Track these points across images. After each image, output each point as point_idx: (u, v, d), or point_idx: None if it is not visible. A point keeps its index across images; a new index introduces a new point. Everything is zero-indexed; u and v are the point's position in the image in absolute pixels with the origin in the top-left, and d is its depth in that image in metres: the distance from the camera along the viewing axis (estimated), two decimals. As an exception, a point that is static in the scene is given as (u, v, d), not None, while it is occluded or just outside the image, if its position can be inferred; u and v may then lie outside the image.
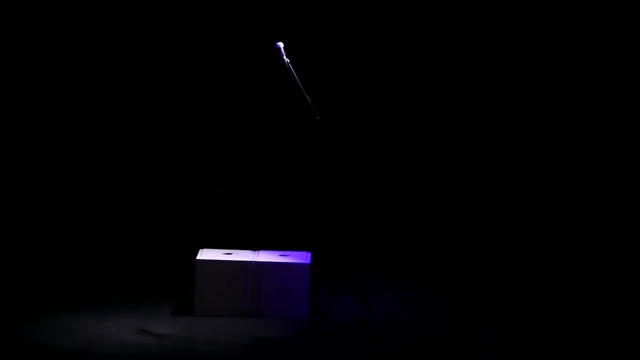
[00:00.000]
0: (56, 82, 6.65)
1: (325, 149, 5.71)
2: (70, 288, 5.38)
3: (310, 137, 5.53)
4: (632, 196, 7.15)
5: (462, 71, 7.45)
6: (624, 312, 5.55)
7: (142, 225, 6.35)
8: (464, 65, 7.46)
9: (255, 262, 4.90)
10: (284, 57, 4.67)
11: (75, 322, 4.62)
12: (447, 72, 7.46)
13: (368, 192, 7.01)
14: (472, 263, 6.86)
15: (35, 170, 6.40)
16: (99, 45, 6.66)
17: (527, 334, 5.17)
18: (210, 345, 4.39)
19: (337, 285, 5.55)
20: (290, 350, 4.41)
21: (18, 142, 6.48)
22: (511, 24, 7.44)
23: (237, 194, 6.45)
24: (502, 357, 4.67)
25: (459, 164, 7.53)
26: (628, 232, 7.00)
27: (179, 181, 6.40)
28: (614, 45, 7.36)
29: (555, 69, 7.40)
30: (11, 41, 6.58)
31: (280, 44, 4.68)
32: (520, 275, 6.72)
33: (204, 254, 4.99)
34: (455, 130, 7.53)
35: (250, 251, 5.12)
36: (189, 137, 6.66)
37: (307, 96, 4.68)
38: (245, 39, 6.63)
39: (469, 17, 7.42)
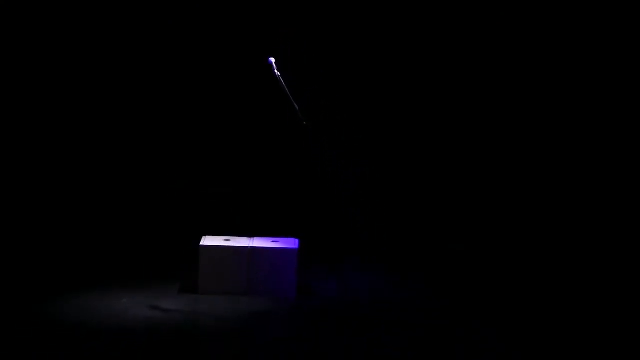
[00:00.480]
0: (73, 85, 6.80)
1: (312, 149, 6.02)
2: (91, 272, 5.87)
3: (303, 139, 5.92)
4: (632, 196, 7.01)
5: (464, 72, 7.37)
6: (623, 311, 5.50)
7: (152, 217, 6.76)
8: (465, 66, 7.39)
9: (250, 247, 5.41)
10: (275, 70, 5.11)
11: (97, 301, 5.14)
12: (449, 72, 7.37)
13: (351, 185, 7.20)
14: (454, 252, 6.96)
15: (62, 169, 6.78)
16: (102, 46, 6.84)
17: (497, 311, 5.39)
18: (212, 320, 4.94)
19: (322, 268, 6.01)
20: (280, 323, 4.95)
21: (47, 136, 6.74)
22: (507, 23, 7.31)
23: (236, 191, 6.82)
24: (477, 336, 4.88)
25: (453, 163, 7.41)
26: (627, 232, 6.89)
27: (186, 179, 6.82)
28: (613, 45, 7.19)
29: (555, 70, 7.31)
30: (11, 41, 6.67)
31: (272, 60, 5.12)
32: (509, 265, 6.73)
33: (207, 241, 5.50)
34: (454, 131, 7.40)
35: (246, 238, 5.61)
36: (194, 141, 6.94)
37: (295, 104, 5.15)
38: (242, 48, 6.88)
39: (468, 17, 7.33)
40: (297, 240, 5.56)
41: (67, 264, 6.00)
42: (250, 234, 5.70)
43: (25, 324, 4.63)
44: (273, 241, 5.57)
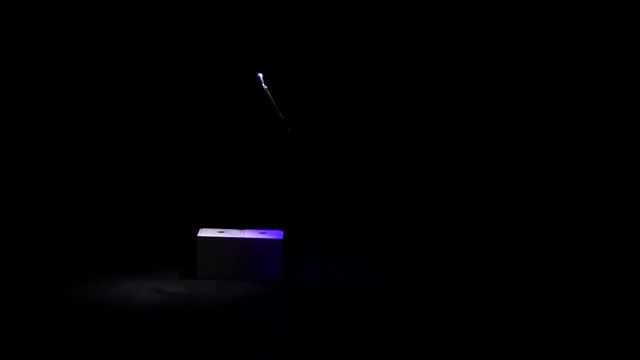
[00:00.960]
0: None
1: (297, 151, 6.50)
2: (104, 262, 6.49)
3: (289, 143, 6.17)
4: (631, 196, 7.00)
5: (463, 72, 7.33)
6: (623, 310, 5.51)
7: (157, 213, 7.29)
8: (463, 66, 7.34)
9: (241, 238, 6.08)
10: (263, 84, 5.72)
11: (111, 285, 5.83)
12: (448, 73, 7.35)
13: (349, 184, 7.49)
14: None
15: (74, 169, 7.22)
16: (101, 47, 7.11)
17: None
18: (209, 300, 5.60)
19: (304, 256, 6.58)
20: (266, 303, 5.60)
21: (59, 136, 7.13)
22: (503, 22, 7.25)
23: (230, 190, 7.32)
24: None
25: (452, 162, 7.44)
26: (627, 232, 6.91)
27: (185, 180, 7.35)
28: (613, 45, 7.11)
29: (554, 69, 7.30)
30: (7, 42, 6.90)
31: (260, 75, 5.72)
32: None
33: (203, 232, 6.16)
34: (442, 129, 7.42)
35: (238, 230, 6.24)
36: (194, 146, 7.38)
37: (280, 113, 5.74)
38: (232, 62, 7.19)
39: (466, 16, 7.28)
40: (282, 232, 6.19)
41: (83, 255, 6.62)
42: (241, 227, 6.32)
43: (45, 308, 5.27)
44: (261, 233, 6.20)
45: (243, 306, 5.50)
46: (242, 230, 6.24)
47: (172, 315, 5.21)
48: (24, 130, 7.08)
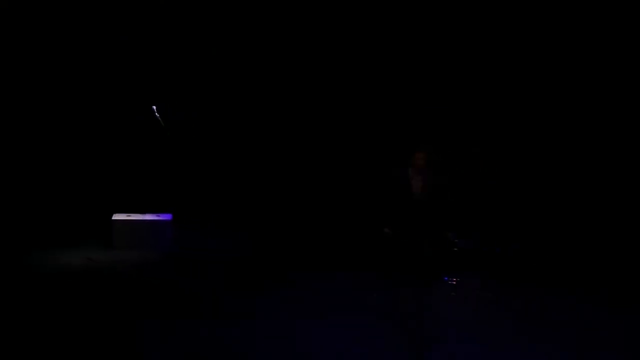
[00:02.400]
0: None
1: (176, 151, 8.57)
2: (42, 240, 8.73)
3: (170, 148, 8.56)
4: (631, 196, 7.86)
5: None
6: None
7: (82, 204, 9.43)
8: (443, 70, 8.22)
9: (142, 219, 8.60)
10: (156, 113, 8.24)
11: (53, 255, 8.23)
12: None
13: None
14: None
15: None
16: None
17: None
18: (122, 263, 8.08)
19: (189, 232, 8.97)
20: (159, 264, 8.13)
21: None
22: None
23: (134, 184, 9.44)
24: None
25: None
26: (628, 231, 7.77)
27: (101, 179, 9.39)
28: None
29: (552, 70, 7.86)
30: None
31: (154, 107, 8.20)
32: None
33: (116, 216, 8.65)
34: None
35: (140, 214, 8.73)
36: (111, 157, 9.26)
37: (167, 131, 8.25)
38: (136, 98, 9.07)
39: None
40: (170, 215, 8.78)
41: (29, 235, 8.83)
42: (143, 212, 8.85)
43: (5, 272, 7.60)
44: (157, 216, 8.76)
45: (144, 267, 8.07)
46: (144, 214, 8.78)
47: (98, 272, 7.76)
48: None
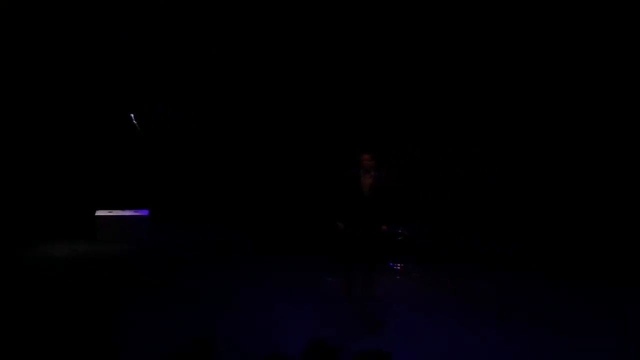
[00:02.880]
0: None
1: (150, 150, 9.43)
2: (31, 234, 9.60)
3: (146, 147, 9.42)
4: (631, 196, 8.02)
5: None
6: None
7: (70, 201, 10.17)
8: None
9: (122, 215, 9.58)
10: (134, 120, 9.32)
11: (41, 246, 9.19)
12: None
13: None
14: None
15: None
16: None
17: None
18: (104, 254, 9.03)
19: (165, 227, 10.03)
20: (135, 253, 9.14)
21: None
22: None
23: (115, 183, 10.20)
24: None
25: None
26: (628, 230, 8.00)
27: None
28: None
29: (552, 70, 7.94)
30: None
31: (132, 115, 9.28)
32: None
33: (99, 212, 9.62)
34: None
35: (120, 210, 9.70)
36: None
37: (141, 132, 9.27)
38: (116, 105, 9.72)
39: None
40: (147, 211, 9.77)
41: (20, 230, 9.72)
42: (123, 208, 9.82)
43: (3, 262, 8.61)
44: (135, 212, 9.74)
45: (125, 257, 9.07)
46: (124, 210, 9.77)
47: (83, 261, 8.73)
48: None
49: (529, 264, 8.62)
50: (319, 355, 3.49)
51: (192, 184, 10.48)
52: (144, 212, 9.75)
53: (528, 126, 8.52)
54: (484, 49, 8.11)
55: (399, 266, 8.80)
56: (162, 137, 10.06)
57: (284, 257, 9.01)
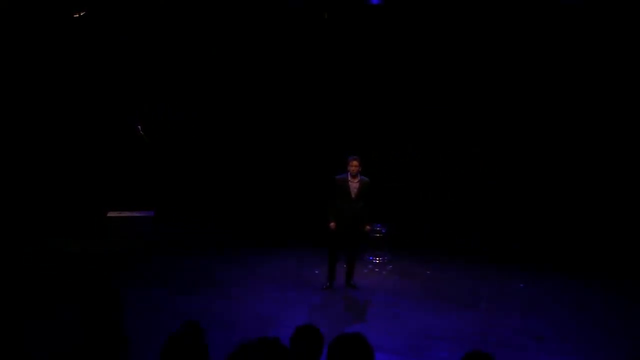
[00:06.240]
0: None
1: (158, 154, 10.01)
2: (48, 232, 10.53)
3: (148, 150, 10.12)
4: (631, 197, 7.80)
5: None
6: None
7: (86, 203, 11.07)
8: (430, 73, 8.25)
9: (130, 216, 10.48)
10: (140, 129, 10.15)
11: (57, 242, 10.03)
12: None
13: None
14: None
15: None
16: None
17: None
18: (115, 249, 9.86)
19: (164, 225, 10.85)
20: (142, 250, 9.98)
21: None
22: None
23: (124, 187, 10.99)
24: None
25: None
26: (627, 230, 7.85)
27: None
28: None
29: (552, 70, 7.79)
30: None
31: (139, 126, 10.06)
32: None
33: (111, 213, 10.53)
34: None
35: (129, 211, 10.55)
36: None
37: (146, 139, 10.08)
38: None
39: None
40: (152, 212, 10.65)
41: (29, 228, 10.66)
42: (131, 210, 10.66)
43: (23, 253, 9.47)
44: (141, 212, 10.61)
45: (132, 252, 9.95)
46: (132, 211, 10.67)
47: (93, 254, 9.62)
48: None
49: (515, 259, 8.86)
50: (306, 340, 3.71)
51: (192, 183, 10.95)
52: (149, 213, 10.60)
53: (528, 126, 8.50)
54: (484, 50, 8.05)
55: (377, 259, 9.69)
56: (162, 137, 10.48)
57: (277, 250, 9.82)
